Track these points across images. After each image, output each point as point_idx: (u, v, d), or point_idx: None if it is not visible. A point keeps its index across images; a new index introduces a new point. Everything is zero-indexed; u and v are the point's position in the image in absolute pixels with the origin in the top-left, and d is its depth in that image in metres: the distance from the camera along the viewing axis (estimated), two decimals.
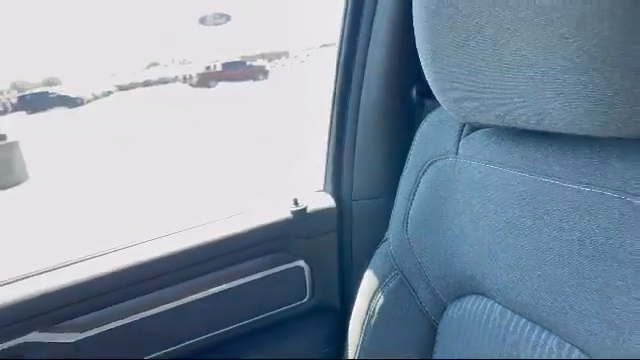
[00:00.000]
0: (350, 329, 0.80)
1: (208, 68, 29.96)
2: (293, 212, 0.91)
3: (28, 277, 0.79)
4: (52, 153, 9.32)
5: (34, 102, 26.81)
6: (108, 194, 5.75)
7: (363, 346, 0.77)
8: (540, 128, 0.51)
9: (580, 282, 0.51)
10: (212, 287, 0.86)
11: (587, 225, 0.50)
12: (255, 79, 27.79)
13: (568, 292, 0.52)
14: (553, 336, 0.54)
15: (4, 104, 24.73)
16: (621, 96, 0.42)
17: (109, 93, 33.36)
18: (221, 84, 27.72)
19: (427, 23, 0.57)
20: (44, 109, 24.26)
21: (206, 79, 28.67)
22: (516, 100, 0.51)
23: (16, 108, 26.19)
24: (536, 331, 0.56)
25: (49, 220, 4.88)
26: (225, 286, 0.87)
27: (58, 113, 22.63)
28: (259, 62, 32.53)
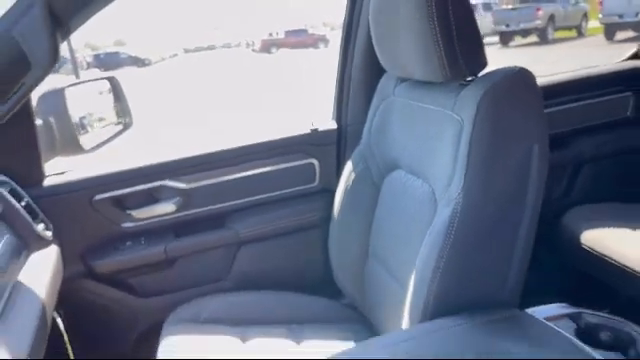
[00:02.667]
0: (336, 194, 1.40)
1: (270, 35, 30.64)
2: (310, 130, 1.51)
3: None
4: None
5: (107, 61, 28.49)
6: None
7: (342, 203, 1.37)
8: (418, 78, 1.08)
9: (429, 150, 1.08)
10: (259, 169, 1.48)
11: (434, 125, 1.07)
12: (315, 47, 28.25)
13: (427, 156, 1.09)
14: (420, 180, 1.12)
15: (80, 62, 26.34)
16: (431, 62, 0.98)
17: (175, 55, 34.74)
18: (282, 50, 28.39)
19: (373, 23, 1.15)
20: (116, 67, 25.85)
21: (267, 45, 29.41)
22: (406, 63, 1.08)
23: (91, 66, 27.97)
24: (414, 179, 1.14)
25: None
26: (267, 169, 1.48)
27: (128, 71, 24.16)
28: (321, 30, 32.87)
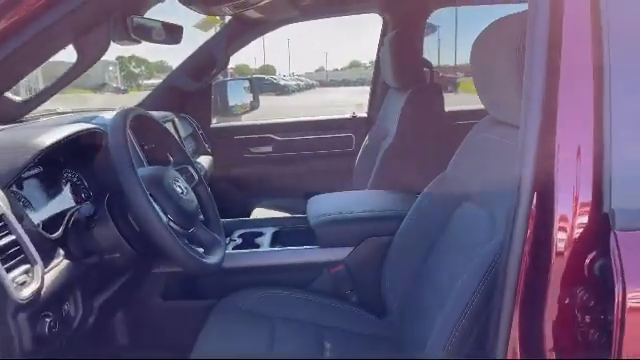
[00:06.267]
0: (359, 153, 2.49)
1: None
2: (351, 115, 2.64)
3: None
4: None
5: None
6: None
7: (359, 158, 2.46)
8: (391, 85, 2.17)
9: (394, 123, 2.16)
10: (320, 135, 2.63)
11: (397, 110, 2.15)
12: (444, 89, 29.03)
13: (394, 126, 2.16)
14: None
15: None
16: (393, 76, 2.06)
17: (311, 86, 37.42)
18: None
19: (381, 56, 2.25)
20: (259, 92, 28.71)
21: None
22: (389, 77, 2.17)
23: None
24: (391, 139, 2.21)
25: None
26: (324, 135, 2.62)
27: (268, 97, 26.80)
28: (451, 74, 33.47)
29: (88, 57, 0.87)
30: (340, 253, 1.58)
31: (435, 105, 2.00)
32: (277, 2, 1.93)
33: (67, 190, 1.25)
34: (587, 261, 0.74)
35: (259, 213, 2.34)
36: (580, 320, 0.75)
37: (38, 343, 0.90)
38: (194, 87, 2.40)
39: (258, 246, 1.66)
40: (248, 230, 1.80)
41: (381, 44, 2.53)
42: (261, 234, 1.76)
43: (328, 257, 1.58)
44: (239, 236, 1.74)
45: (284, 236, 1.79)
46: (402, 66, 2.03)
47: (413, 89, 2.00)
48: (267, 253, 1.61)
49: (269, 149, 2.65)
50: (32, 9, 0.75)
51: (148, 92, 2.47)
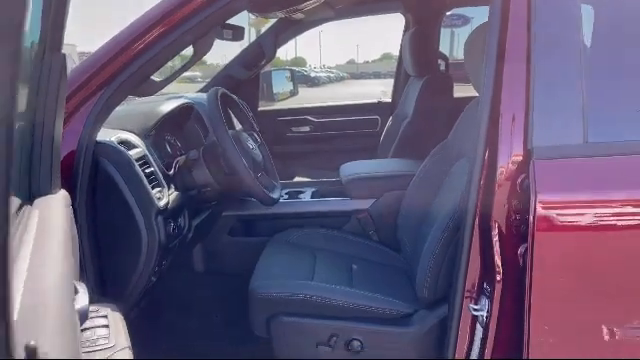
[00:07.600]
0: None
1: None
2: (377, 101, 3.10)
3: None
4: None
5: None
6: None
7: (383, 136, 2.91)
8: (410, 74, 2.61)
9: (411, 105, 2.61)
10: (350, 117, 3.09)
11: (416, 93, 2.60)
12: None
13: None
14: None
15: None
16: (411, 65, 2.51)
17: (342, 78, 37.61)
18: None
19: (402, 49, 2.70)
20: None
21: None
22: (409, 67, 2.62)
23: None
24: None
25: None
26: (354, 118, 3.08)
27: (299, 89, 27.15)
28: None
29: (199, 53, 1.33)
30: (365, 203, 2.05)
31: (445, 91, 2.44)
32: (318, 6, 2.38)
33: (168, 147, 1.75)
34: (519, 181, 1.19)
35: None
36: (514, 219, 1.20)
37: (167, 238, 1.40)
38: (246, 76, 2.89)
39: (301, 199, 2.15)
40: (293, 189, 2.28)
41: (403, 39, 2.98)
42: (303, 192, 2.23)
43: (356, 206, 2.05)
44: (286, 193, 2.22)
45: (320, 194, 2.26)
46: (419, 57, 2.47)
47: (427, 77, 2.43)
48: (309, 203, 2.09)
49: (307, 129, 3.13)
50: (174, 21, 1.22)
51: (182, 84, 2.97)
